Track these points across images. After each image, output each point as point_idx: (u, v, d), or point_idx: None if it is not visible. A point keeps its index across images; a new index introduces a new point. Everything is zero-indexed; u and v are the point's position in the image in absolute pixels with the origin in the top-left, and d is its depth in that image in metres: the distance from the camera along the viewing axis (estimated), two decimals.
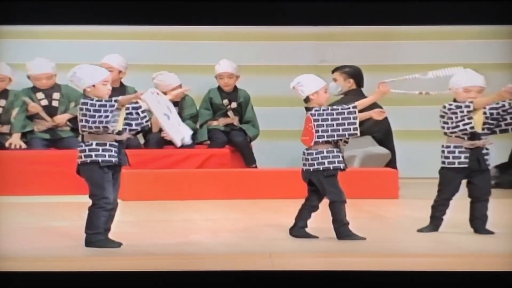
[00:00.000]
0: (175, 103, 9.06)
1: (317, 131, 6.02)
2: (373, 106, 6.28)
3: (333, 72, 8.98)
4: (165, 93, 8.96)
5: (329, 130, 6.01)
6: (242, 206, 7.81)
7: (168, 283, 5.37)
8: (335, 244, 6.05)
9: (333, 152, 6.04)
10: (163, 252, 5.81)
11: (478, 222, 6.29)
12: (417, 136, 9.69)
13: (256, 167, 9.06)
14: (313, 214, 6.20)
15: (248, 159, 9.07)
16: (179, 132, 5.86)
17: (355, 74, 8.98)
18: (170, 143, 9.05)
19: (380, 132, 8.94)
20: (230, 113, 9.28)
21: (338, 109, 6.03)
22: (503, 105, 6.22)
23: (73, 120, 8.82)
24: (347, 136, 6.04)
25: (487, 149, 6.30)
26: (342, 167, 6.07)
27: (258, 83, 9.61)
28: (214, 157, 8.86)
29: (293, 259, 5.67)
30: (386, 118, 9.08)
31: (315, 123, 6.02)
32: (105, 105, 5.77)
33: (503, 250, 5.87)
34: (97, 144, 5.79)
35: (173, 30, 9.55)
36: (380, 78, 9.56)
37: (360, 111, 6.07)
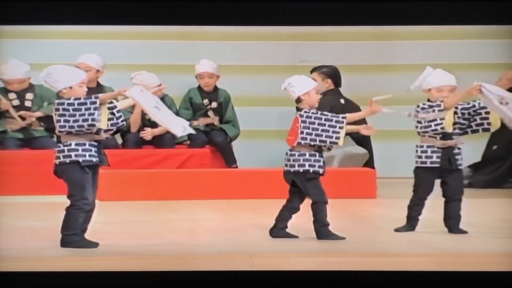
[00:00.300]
0: None
1: (301, 132, 6.08)
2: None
3: (311, 72, 9.03)
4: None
5: (313, 134, 6.07)
6: (222, 206, 7.82)
7: (147, 283, 5.37)
8: (315, 244, 6.08)
9: (315, 156, 6.09)
10: (142, 252, 5.80)
11: (452, 221, 6.36)
12: (394, 136, 9.74)
13: (236, 167, 9.06)
14: (293, 215, 6.24)
15: (229, 159, 9.08)
16: (177, 122, 5.76)
17: (333, 74, 9.02)
18: (148, 143, 9.09)
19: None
20: (210, 113, 9.28)
21: (327, 115, 6.08)
22: (474, 105, 6.32)
23: (45, 119, 8.80)
24: (328, 143, 6.09)
25: (459, 148, 6.38)
26: (321, 172, 6.11)
27: (238, 83, 9.62)
28: (194, 157, 8.84)
29: (274, 259, 5.69)
30: (364, 118, 9.15)
31: (302, 124, 6.08)
32: (85, 103, 5.72)
33: (477, 249, 5.94)
34: (76, 144, 5.75)
35: (153, 30, 9.54)
36: (360, 79, 9.66)
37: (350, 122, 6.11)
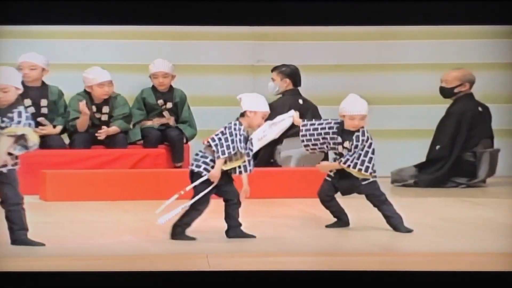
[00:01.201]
0: (106, 101, 8.97)
1: (216, 134, 6.18)
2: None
3: (272, 71, 9.01)
4: (91, 88, 8.94)
5: (221, 143, 6.12)
6: (177, 207, 7.74)
7: (102, 284, 5.31)
8: (272, 243, 6.10)
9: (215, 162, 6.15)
10: (94, 253, 5.76)
11: (393, 220, 6.52)
12: None
13: (181, 166, 8.95)
14: (240, 211, 6.22)
15: (176, 156, 8.94)
16: None
17: (292, 74, 8.98)
18: (99, 143, 8.90)
19: None
20: (165, 113, 9.16)
21: (240, 143, 6.13)
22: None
23: None
24: (215, 155, 6.11)
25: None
26: (205, 176, 6.14)
27: (195, 82, 9.54)
28: (149, 157, 8.71)
29: (230, 259, 5.70)
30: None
31: (222, 130, 6.18)
32: None
33: (422, 248, 6.04)
34: None
35: (106, 29, 9.42)
36: (322, 78, 9.66)
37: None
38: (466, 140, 9.09)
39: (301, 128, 6.71)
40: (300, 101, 8.96)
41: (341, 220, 6.67)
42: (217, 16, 6.76)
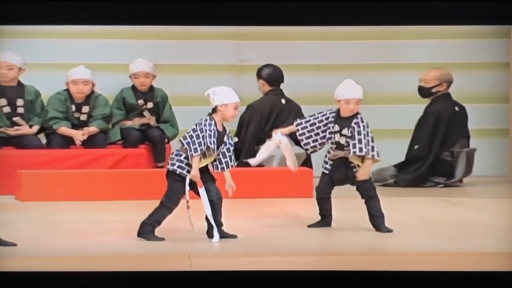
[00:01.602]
0: (86, 101, 8.90)
1: (188, 133, 6.15)
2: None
3: None
4: (68, 85, 8.88)
5: (191, 139, 6.08)
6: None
7: (82, 285, 5.25)
8: (254, 243, 6.09)
9: (189, 160, 6.11)
10: (70, 253, 5.73)
11: (376, 219, 6.52)
12: None
13: (163, 166, 8.91)
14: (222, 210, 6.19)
15: (158, 156, 8.89)
16: None
17: (264, 75, 8.91)
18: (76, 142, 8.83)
19: None
20: (146, 113, 9.10)
21: (210, 139, 6.09)
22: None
23: None
24: (189, 152, 6.08)
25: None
26: (186, 178, 6.10)
27: (177, 82, 9.49)
28: (130, 157, 8.67)
29: (213, 259, 5.70)
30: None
31: (194, 127, 6.15)
32: None
33: (405, 247, 6.08)
34: None
35: (85, 29, 9.35)
36: (305, 78, 9.65)
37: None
38: (443, 140, 9.16)
39: (296, 128, 6.60)
40: (283, 101, 8.92)
41: (325, 219, 6.65)
42: (199, 15, 6.72)
